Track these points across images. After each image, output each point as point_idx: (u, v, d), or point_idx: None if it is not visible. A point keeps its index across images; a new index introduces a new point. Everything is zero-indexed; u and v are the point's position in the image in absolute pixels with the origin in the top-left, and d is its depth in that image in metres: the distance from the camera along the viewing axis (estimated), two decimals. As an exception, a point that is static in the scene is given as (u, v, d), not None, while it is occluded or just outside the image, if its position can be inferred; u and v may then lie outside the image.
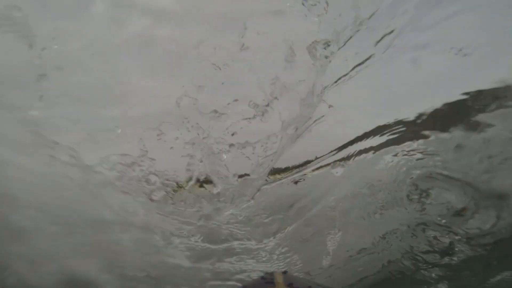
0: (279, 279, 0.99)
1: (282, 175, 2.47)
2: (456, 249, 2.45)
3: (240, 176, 2.46)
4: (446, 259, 2.55)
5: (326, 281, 2.78)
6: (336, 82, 2.23)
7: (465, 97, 2.14)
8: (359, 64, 2.13)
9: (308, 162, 2.43)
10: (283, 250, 2.59)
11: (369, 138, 2.35)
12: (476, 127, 2.20)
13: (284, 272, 1.08)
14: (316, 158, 2.41)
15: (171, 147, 2.51)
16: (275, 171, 2.45)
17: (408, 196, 2.42)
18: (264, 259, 2.59)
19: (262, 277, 1.08)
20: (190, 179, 2.58)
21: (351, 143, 2.37)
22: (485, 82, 2.11)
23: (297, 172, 2.46)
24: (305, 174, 2.47)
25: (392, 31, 2.03)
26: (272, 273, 1.07)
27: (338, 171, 2.39)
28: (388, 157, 2.40)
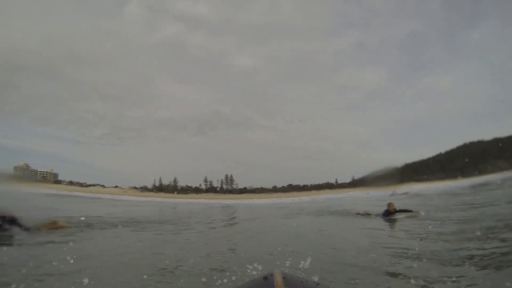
0: (279, 279, 1.02)
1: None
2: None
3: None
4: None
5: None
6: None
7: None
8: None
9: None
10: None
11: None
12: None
13: (284, 272, 1.10)
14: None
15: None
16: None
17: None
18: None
19: (260, 278, 1.12)
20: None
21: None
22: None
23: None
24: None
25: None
26: (271, 273, 1.10)
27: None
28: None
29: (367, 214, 12.16)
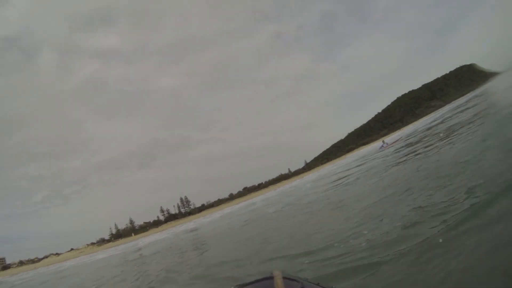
0: (279, 279, 1.05)
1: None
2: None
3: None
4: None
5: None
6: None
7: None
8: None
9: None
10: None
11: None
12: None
13: (284, 272, 1.12)
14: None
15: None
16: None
17: None
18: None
19: (260, 278, 1.13)
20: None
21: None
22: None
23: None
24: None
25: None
26: (271, 274, 1.12)
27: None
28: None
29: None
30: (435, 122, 20.40)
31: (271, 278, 1.08)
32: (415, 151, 10.08)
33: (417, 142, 13.07)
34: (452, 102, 59.16)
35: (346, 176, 13.43)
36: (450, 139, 8.39)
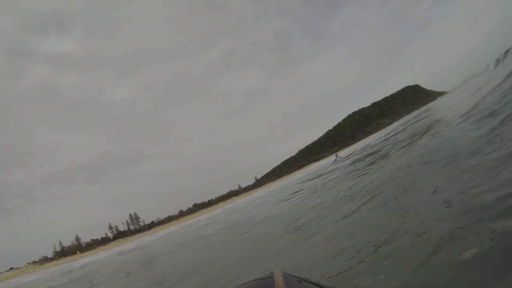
0: (279, 278, 1.04)
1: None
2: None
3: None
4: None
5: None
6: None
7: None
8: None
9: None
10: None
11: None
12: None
13: (284, 272, 1.11)
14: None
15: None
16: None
17: None
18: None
19: (260, 278, 1.11)
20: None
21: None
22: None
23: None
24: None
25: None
26: (271, 273, 1.10)
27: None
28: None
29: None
30: (386, 137, 20.32)
31: (271, 276, 1.08)
32: (370, 163, 8.91)
33: (368, 155, 12.06)
34: (400, 119, 62.92)
35: (295, 192, 11.83)
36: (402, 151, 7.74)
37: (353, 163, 13.11)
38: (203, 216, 44.29)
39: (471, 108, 6.79)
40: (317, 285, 1.07)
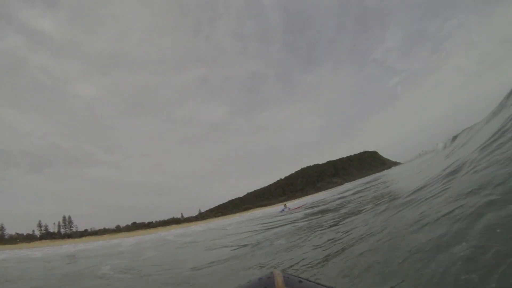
0: (279, 279, 1.00)
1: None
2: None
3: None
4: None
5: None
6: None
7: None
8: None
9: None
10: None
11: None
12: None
13: (284, 272, 1.08)
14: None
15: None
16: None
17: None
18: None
19: (260, 278, 1.08)
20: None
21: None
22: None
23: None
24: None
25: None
26: (271, 273, 1.08)
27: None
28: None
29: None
30: (337, 197, 19.26)
31: (271, 276, 1.04)
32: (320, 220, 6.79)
33: (324, 212, 10.07)
34: (352, 181, 64.46)
35: (235, 240, 9.12)
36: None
37: (306, 217, 10.92)
38: (133, 238, 39.44)
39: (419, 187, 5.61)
40: (317, 284, 1.03)
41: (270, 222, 13.67)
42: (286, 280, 0.98)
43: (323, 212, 10.14)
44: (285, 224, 10.34)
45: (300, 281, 1.00)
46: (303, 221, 9.52)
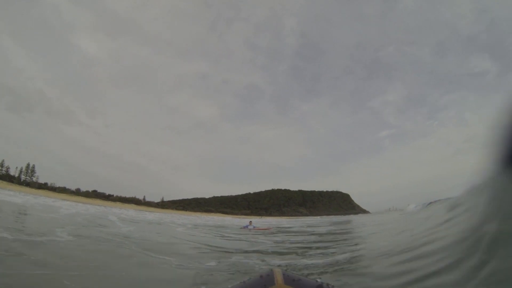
0: (279, 276, 1.06)
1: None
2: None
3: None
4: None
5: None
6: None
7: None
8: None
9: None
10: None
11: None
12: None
13: (284, 270, 1.12)
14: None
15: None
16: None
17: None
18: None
19: (260, 276, 1.12)
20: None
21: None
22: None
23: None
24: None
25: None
26: (271, 271, 1.13)
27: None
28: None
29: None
30: (307, 230, 18.11)
31: (270, 274, 1.11)
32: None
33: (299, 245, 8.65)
34: (317, 216, 64.11)
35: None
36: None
37: (276, 243, 9.38)
38: (85, 205, 37.37)
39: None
40: (318, 282, 1.09)
41: (231, 239, 11.92)
42: (285, 278, 1.04)
43: (299, 250, 8.20)
44: (248, 252, 8.23)
45: (299, 279, 1.06)
46: (276, 256, 7.76)
